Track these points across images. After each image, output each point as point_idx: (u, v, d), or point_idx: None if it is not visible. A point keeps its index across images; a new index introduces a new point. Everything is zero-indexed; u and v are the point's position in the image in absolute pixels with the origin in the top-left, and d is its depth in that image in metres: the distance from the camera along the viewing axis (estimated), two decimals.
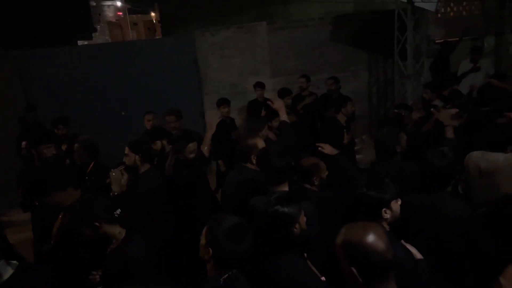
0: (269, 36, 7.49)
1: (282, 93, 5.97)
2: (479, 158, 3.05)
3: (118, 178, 3.02)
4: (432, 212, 2.40)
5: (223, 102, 5.77)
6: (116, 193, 2.97)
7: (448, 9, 8.12)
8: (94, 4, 23.78)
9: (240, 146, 3.23)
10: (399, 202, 2.19)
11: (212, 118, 6.24)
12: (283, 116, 3.75)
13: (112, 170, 3.05)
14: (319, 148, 3.21)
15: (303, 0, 8.45)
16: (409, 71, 6.35)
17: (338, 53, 7.73)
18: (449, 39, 7.88)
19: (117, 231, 2.40)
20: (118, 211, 2.42)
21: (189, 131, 4.22)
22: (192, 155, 3.46)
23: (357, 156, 6.44)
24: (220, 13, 8.84)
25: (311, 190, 2.85)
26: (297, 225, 2.07)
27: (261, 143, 3.14)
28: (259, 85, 6.36)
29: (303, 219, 2.10)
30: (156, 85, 7.22)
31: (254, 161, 3.02)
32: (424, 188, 2.46)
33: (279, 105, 3.85)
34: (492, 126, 3.41)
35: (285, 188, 2.53)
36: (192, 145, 3.43)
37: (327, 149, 3.19)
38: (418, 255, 2.14)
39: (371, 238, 1.50)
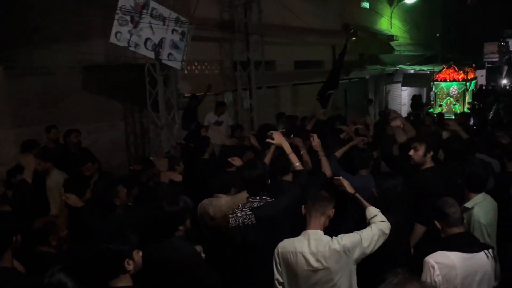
0: (7, 83, 6.63)
1: (28, 146, 5.31)
2: (207, 205, 3.50)
3: None
4: (162, 258, 2.54)
5: None
6: None
7: (193, 67, 9.15)
8: None
9: None
10: (140, 253, 2.24)
11: None
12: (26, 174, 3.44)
13: None
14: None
15: (48, 47, 7.89)
16: (162, 122, 6.76)
17: (91, 103, 7.51)
18: (197, 94, 8.86)
19: None
20: None
21: None
22: None
23: None
24: None
25: (48, 252, 2.59)
26: None
27: None
28: None
29: None
30: None
31: None
32: (156, 233, 2.59)
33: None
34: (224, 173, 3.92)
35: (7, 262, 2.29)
36: None
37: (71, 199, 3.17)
38: None
39: None
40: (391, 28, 15.76)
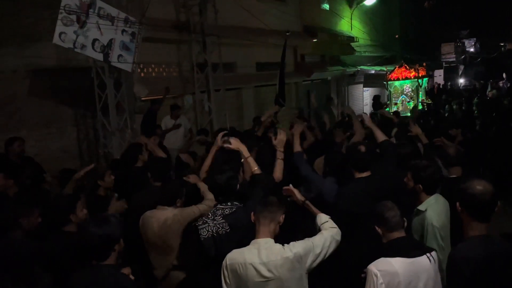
0: None
1: None
2: (150, 217, 3.19)
3: None
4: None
5: None
6: None
7: (150, 69, 8.86)
8: None
9: None
10: None
11: None
12: None
13: None
14: None
15: None
16: (113, 127, 6.46)
17: (38, 109, 7.10)
18: (156, 97, 8.55)
19: None
20: None
21: None
22: None
23: None
24: None
25: None
26: None
27: None
28: None
29: None
30: None
31: None
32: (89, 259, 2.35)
33: None
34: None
35: None
36: None
37: None
38: None
39: None
40: (351, 29, 15.95)
